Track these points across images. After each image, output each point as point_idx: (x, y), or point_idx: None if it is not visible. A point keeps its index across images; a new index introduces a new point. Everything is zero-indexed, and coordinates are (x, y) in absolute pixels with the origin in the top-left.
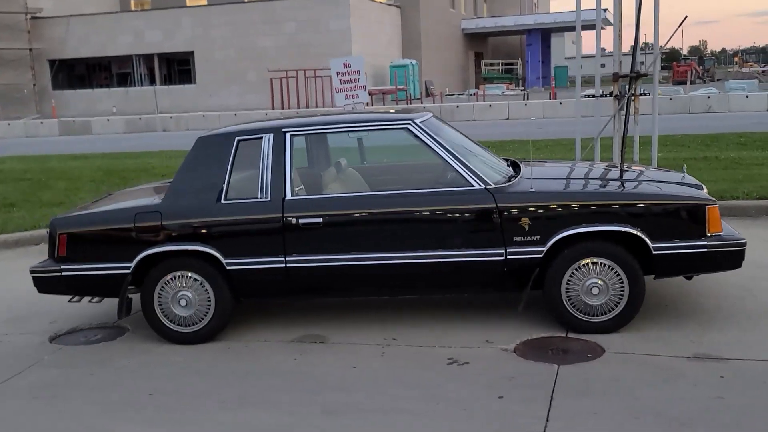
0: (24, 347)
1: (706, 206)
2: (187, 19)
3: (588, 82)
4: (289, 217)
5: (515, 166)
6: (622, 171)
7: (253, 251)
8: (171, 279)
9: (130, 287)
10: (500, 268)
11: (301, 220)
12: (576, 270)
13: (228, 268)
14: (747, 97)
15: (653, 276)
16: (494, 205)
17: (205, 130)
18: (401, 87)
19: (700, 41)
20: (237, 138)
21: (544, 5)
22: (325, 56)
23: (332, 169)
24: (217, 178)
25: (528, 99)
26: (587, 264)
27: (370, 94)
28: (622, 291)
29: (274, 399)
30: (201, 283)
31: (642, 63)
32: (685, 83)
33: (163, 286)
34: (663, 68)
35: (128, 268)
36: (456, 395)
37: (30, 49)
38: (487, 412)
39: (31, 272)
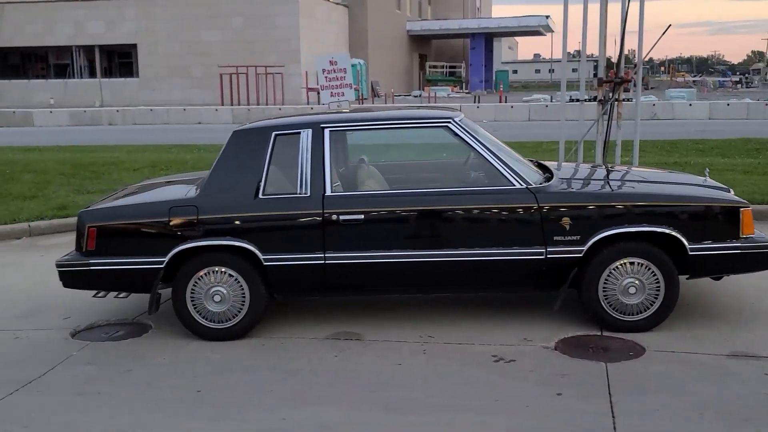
0: (47, 343)
1: (741, 209)
2: (130, 12)
3: (525, 87)
4: (329, 213)
5: (541, 167)
6: (653, 173)
7: (291, 247)
8: (205, 274)
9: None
10: (540, 267)
11: (341, 217)
12: (614, 270)
13: (265, 263)
14: (690, 105)
15: (686, 276)
16: (536, 205)
17: (239, 124)
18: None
19: (628, 51)
20: (274, 132)
21: (487, 10)
22: (272, 53)
23: (362, 166)
24: (254, 172)
25: (479, 102)
26: (625, 264)
27: (312, 91)
28: (658, 290)
29: (332, 396)
30: (236, 279)
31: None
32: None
33: (196, 282)
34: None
35: (161, 263)
36: (513, 392)
37: None
38: (550, 409)
39: (58, 266)
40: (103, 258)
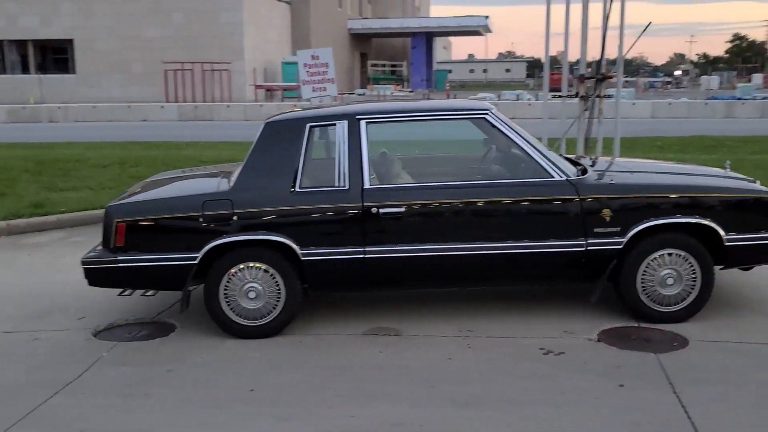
0: (71, 344)
1: None
2: (66, 6)
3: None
4: (370, 206)
5: (569, 160)
6: (675, 165)
7: (330, 241)
8: (239, 270)
9: None
10: (580, 259)
11: (381, 210)
12: (651, 261)
13: (303, 258)
14: (633, 104)
15: (720, 267)
16: (577, 197)
17: (271, 115)
18: (293, 84)
19: (557, 52)
20: (308, 124)
21: (425, 10)
22: (215, 49)
23: (390, 158)
24: (289, 165)
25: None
26: (663, 255)
27: (260, 88)
28: (694, 281)
29: (393, 392)
30: (271, 275)
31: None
32: (560, 90)
33: (230, 278)
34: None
35: (194, 258)
36: (575, 384)
37: None
38: (620, 401)
39: (83, 263)
40: (133, 254)
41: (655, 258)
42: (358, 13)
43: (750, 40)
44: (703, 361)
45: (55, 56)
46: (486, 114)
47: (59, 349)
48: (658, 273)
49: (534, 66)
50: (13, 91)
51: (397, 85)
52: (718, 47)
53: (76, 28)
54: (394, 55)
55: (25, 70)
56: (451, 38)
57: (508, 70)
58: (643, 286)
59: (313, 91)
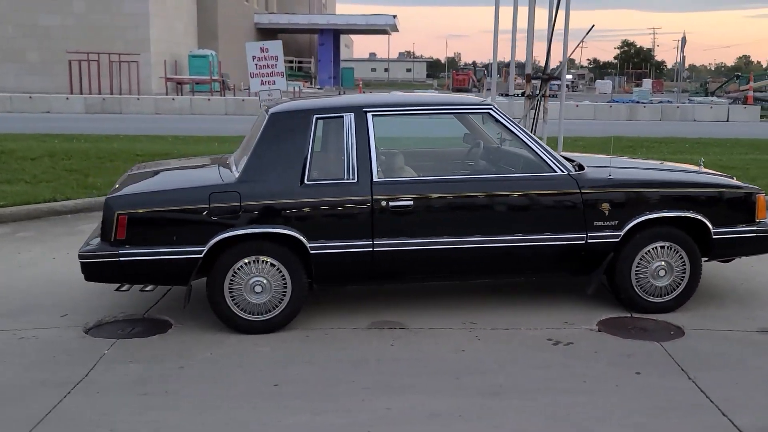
0: (63, 342)
1: (757, 194)
2: None
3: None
4: (379, 199)
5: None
6: (655, 163)
7: (339, 234)
8: (245, 264)
9: None
10: (580, 252)
11: (391, 203)
12: (645, 253)
13: (312, 252)
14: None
15: (705, 258)
16: (578, 191)
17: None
18: (205, 78)
19: (455, 53)
20: (315, 116)
21: (332, 7)
22: (119, 40)
23: (393, 152)
24: (297, 157)
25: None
26: (656, 248)
27: (170, 81)
28: (683, 273)
29: (417, 384)
30: (277, 269)
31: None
32: (467, 90)
33: (235, 272)
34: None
35: (200, 252)
36: (593, 373)
37: None
38: (641, 387)
39: (80, 257)
40: (135, 248)
41: (648, 251)
42: (265, 7)
43: (637, 46)
44: (705, 348)
45: None
46: (489, 109)
47: (52, 347)
48: (651, 265)
49: (433, 66)
50: None
51: (306, 81)
52: (607, 53)
53: None
54: (300, 52)
55: None
56: (353, 36)
57: (408, 70)
58: (636, 278)
59: (262, 84)
